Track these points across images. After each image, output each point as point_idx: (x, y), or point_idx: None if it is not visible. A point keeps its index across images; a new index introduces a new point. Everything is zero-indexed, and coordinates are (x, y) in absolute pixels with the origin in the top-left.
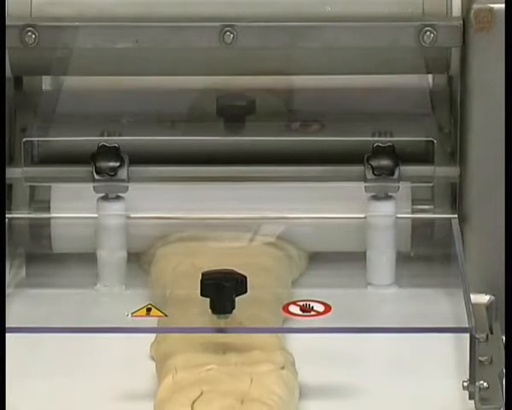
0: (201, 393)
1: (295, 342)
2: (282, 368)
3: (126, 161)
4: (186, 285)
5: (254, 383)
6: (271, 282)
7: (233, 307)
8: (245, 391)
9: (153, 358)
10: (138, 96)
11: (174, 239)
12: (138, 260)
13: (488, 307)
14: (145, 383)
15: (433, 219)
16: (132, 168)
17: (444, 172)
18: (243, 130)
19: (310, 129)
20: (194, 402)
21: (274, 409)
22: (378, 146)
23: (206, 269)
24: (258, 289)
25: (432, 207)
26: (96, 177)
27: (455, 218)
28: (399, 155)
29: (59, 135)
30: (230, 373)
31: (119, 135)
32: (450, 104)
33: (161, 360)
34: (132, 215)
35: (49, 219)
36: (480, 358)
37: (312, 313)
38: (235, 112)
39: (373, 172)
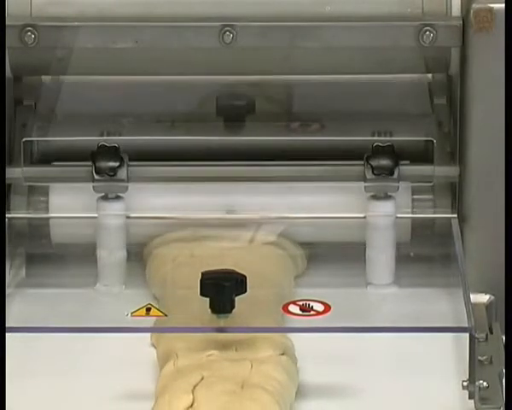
0: (202, 378)
1: (295, 341)
2: (282, 354)
3: (126, 160)
4: (186, 274)
5: (254, 369)
6: (273, 273)
7: (233, 307)
8: (245, 377)
9: (153, 345)
10: (138, 96)
11: (171, 239)
12: (140, 258)
13: (488, 306)
14: (145, 383)
15: (432, 219)
16: (132, 168)
17: (443, 171)
18: (243, 130)
19: (310, 129)
20: (194, 387)
21: (273, 394)
22: (378, 146)
23: (205, 259)
24: (259, 282)
25: (432, 206)
26: (96, 177)
27: (455, 218)
28: (399, 155)
29: (58, 135)
30: (231, 359)
31: (119, 135)
32: (450, 104)
33: (162, 346)
34: (132, 215)
35: (49, 218)
36: (480, 358)
37: (312, 312)
38: (234, 112)
39: (372, 172)
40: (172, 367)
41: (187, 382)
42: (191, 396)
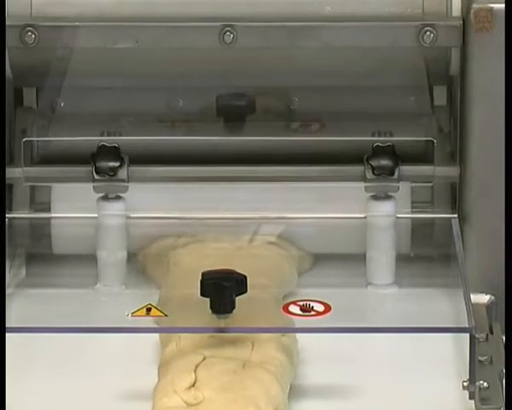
0: (204, 358)
1: None
2: (283, 335)
3: (126, 161)
4: (188, 256)
5: (255, 349)
6: (274, 267)
7: (233, 307)
8: (246, 357)
9: None
10: (138, 96)
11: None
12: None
13: (488, 307)
14: (145, 383)
15: (433, 219)
16: (132, 168)
17: (444, 171)
18: (243, 130)
19: (310, 129)
20: (196, 367)
21: (274, 374)
22: (378, 146)
23: (207, 243)
24: (261, 276)
25: (432, 206)
26: (96, 177)
27: (455, 218)
28: (399, 155)
29: (59, 135)
30: (232, 340)
31: (119, 135)
32: (451, 104)
33: None
34: (132, 215)
35: (50, 219)
36: (480, 358)
37: (312, 312)
38: (235, 112)
39: (373, 172)
40: (175, 348)
41: (189, 362)
42: (193, 376)
